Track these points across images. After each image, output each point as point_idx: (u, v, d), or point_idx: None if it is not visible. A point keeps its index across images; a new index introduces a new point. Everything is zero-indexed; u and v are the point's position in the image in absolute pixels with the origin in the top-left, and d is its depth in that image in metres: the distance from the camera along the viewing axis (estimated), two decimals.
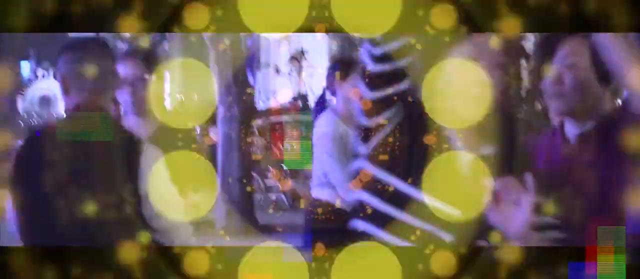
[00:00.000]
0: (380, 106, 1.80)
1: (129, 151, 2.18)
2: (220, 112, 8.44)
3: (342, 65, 3.96)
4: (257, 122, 10.80)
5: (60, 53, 2.23)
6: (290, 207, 10.06)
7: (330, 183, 3.75)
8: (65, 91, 2.22)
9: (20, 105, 22.96)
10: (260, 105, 13.77)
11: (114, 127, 2.23)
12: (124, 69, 2.80)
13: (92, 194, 2.08)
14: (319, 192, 3.83)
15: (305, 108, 12.30)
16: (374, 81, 1.81)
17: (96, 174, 2.13)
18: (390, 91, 1.79)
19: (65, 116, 2.23)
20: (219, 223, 8.49)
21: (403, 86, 1.79)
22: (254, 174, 9.59)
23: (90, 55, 2.20)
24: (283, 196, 10.45)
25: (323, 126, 3.78)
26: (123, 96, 2.83)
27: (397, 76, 1.78)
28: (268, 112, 12.47)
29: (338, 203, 3.79)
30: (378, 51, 1.78)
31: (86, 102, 2.19)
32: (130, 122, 2.90)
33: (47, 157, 2.13)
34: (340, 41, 12.15)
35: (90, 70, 2.17)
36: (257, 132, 12.34)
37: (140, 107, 2.85)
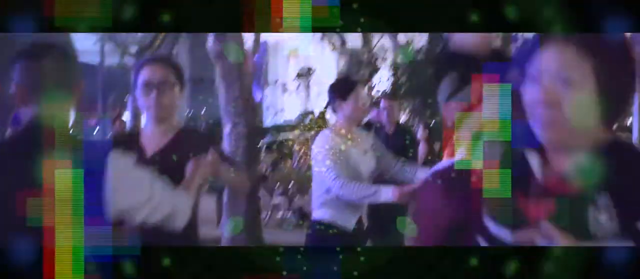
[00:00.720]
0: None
1: (93, 164, 1.93)
2: (226, 129, 8.37)
3: (342, 84, 3.91)
4: (264, 140, 10.74)
5: (14, 60, 2.06)
6: (297, 225, 9.98)
7: (332, 202, 3.68)
8: (21, 100, 2.07)
9: None
10: (267, 122, 13.72)
11: (73, 139, 2.01)
12: (150, 73, 2.74)
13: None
14: (319, 213, 3.76)
15: (311, 125, 12.26)
16: (460, 85, 1.73)
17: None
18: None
19: (22, 128, 2.08)
20: (224, 240, 8.42)
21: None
22: (261, 192, 9.51)
23: (47, 63, 2.03)
24: (290, 214, 10.38)
25: (322, 143, 3.72)
26: (148, 101, 2.75)
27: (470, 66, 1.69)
28: (275, 129, 12.44)
29: (340, 223, 3.72)
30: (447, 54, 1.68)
31: (43, 113, 2.03)
32: (147, 130, 2.82)
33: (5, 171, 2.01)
34: (348, 58, 12.10)
35: (48, 78, 2.02)
36: (263, 150, 12.30)
37: (163, 112, 2.76)
